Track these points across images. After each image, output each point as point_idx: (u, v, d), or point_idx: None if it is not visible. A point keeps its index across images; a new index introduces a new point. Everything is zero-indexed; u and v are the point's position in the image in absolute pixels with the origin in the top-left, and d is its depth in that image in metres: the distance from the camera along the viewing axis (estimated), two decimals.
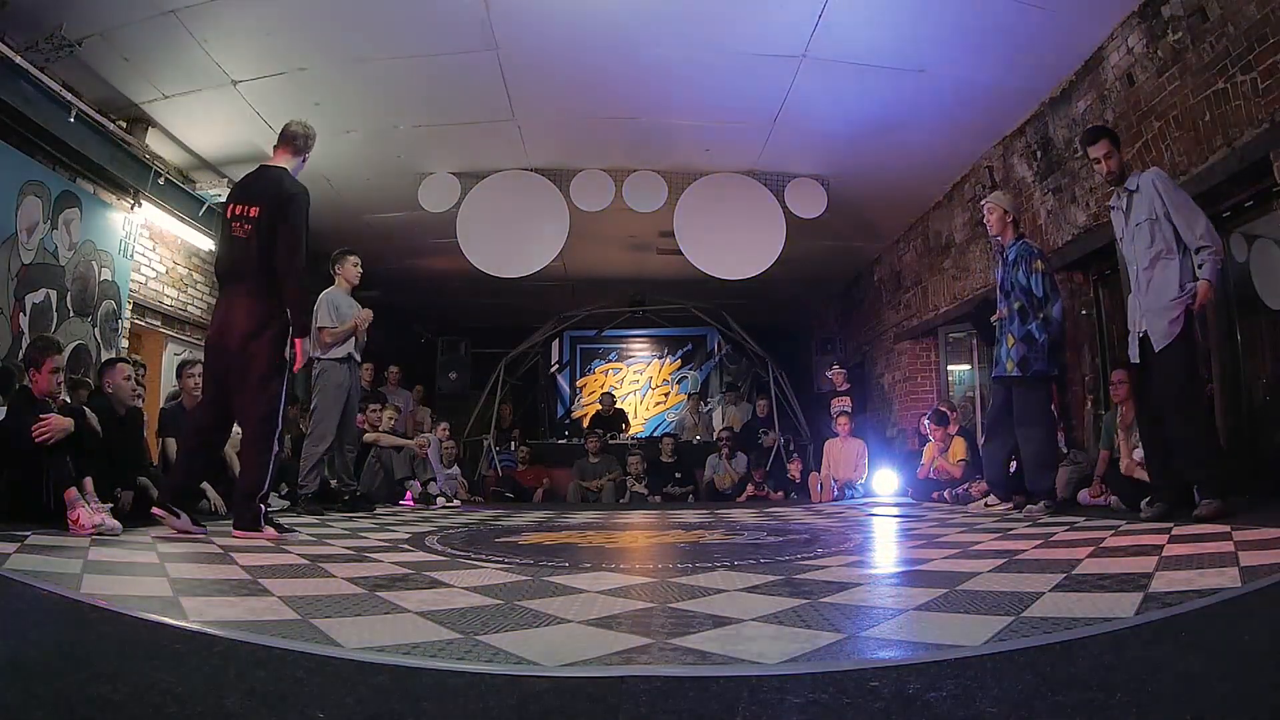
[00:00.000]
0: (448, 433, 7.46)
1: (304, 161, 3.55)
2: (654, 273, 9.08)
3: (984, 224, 4.65)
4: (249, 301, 3.22)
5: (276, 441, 3.29)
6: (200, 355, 6.56)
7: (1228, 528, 2.68)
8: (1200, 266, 3.22)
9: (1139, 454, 4.18)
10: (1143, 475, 4.05)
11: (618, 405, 10.72)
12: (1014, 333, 4.27)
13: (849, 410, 7.73)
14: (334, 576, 2.13)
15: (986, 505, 4.53)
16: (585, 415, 11.56)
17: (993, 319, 4.46)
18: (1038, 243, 5.46)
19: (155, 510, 3.14)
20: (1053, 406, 4.99)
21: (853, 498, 6.88)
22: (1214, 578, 1.76)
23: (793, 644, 1.31)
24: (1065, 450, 5.07)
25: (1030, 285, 4.22)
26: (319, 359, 5.08)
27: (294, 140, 3.48)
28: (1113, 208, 3.62)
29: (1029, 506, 4.20)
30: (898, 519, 4.56)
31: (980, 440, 5.85)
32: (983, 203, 4.69)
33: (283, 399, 3.28)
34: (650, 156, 6.54)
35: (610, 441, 8.80)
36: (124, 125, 5.31)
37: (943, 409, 6.63)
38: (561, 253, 7.07)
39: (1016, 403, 4.27)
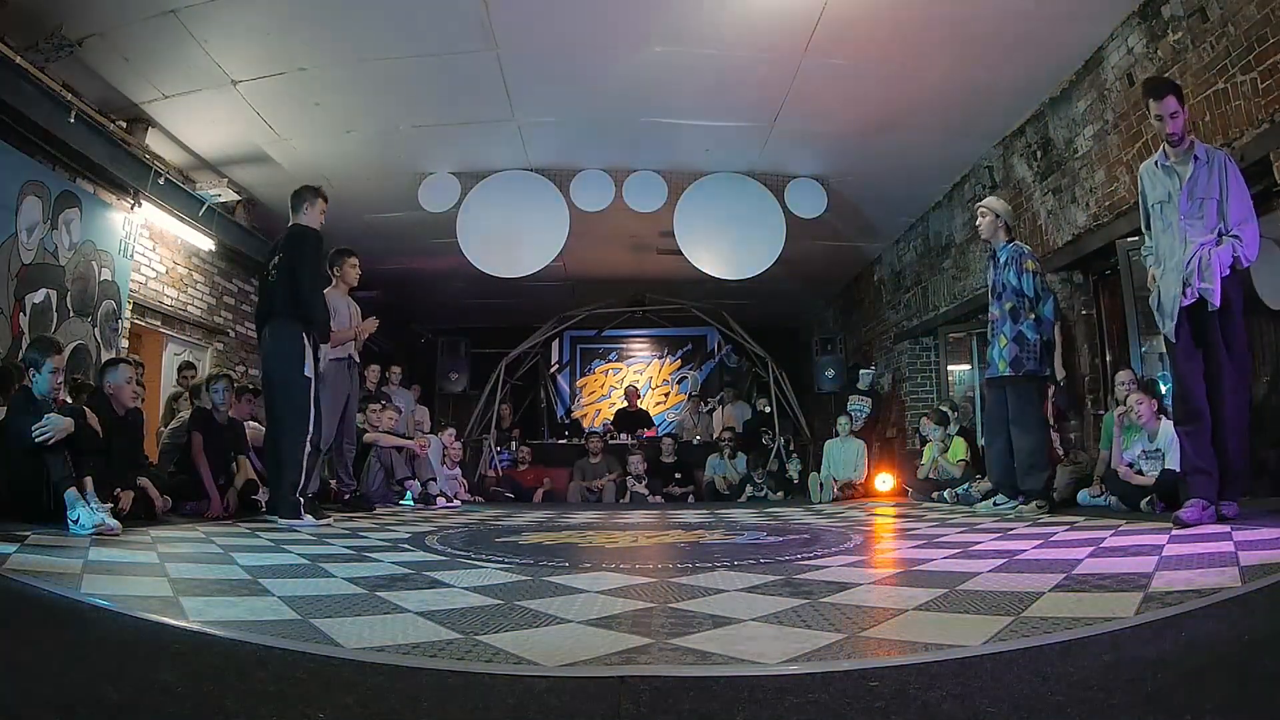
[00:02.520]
0: (454, 436, 7.47)
1: (320, 211, 4.31)
2: (654, 273, 9.08)
3: (978, 222, 4.68)
4: (278, 329, 4.04)
5: (309, 442, 3.98)
6: (202, 364, 6.62)
7: (1228, 528, 2.68)
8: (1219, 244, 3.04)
9: (1129, 455, 4.19)
10: (1135, 479, 4.06)
11: (617, 408, 10.70)
12: (1006, 333, 4.34)
13: (852, 414, 7.74)
14: (334, 576, 2.13)
15: (995, 505, 4.53)
16: (585, 415, 11.55)
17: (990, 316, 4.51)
18: (1037, 243, 5.51)
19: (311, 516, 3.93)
20: (1047, 406, 5.03)
21: (851, 496, 6.88)
22: (1214, 578, 1.76)
23: (793, 644, 1.31)
24: (1063, 451, 5.07)
25: (1021, 286, 4.29)
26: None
27: (313, 204, 4.27)
28: (1162, 165, 3.28)
29: (1020, 507, 4.23)
30: (897, 519, 4.57)
31: (981, 441, 5.86)
32: (976, 206, 4.75)
33: (309, 406, 3.97)
34: (650, 156, 6.54)
35: (611, 441, 8.81)
36: (124, 125, 5.31)
37: (943, 408, 6.64)
38: (561, 253, 7.07)
39: (1011, 403, 4.33)
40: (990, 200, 4.69)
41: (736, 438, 8.46)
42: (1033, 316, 4.28)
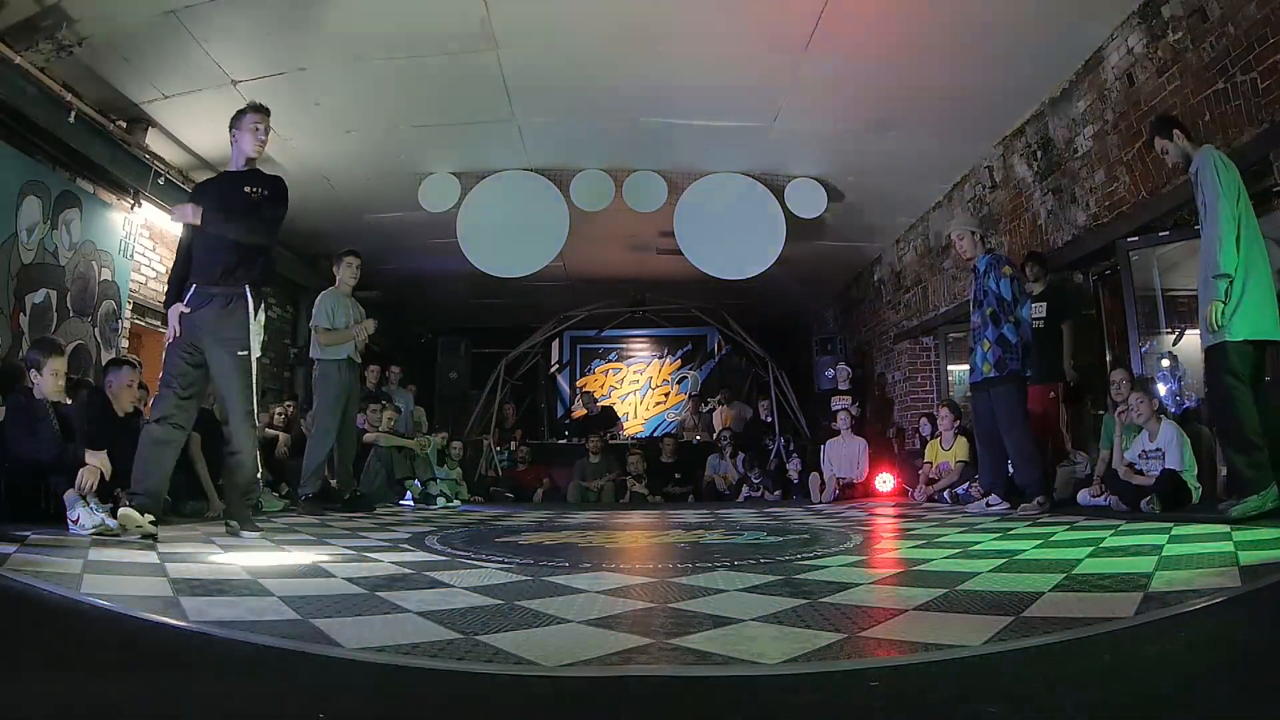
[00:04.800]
0: (446, 438, 7.48)
1: (233, 142, 3.48)
2: (654, 273, 9.08)
3: (955, 248, 4.83)
4: None
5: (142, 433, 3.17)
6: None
7: (1228, 528, 2.68)
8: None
9: (1129, 455, 4.19)
10: (1135, 479, 4.06)
11: (603, 403, 10.77)
12: (988, 337, 4.48)
13: (849, 407, 7.74)
14: (334, 576, 2.13)
15: (988, 505, 4.54)
16: (578, 418, 11.56)
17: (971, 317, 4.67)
18: (1037, 242, 5.51)
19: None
20: (1062, 408, 5.06)
21: (851, 496, 6.88)
22: (1214, 578, 1.76)
23: (793, 644, 1.31)
24: (1069, 451, 5.07)
25: (1000, 289, 4.44)
26: (318, 360, 5.10)
27: (232, 137, 3.49)
28: (1192, 188, 3.36)
29: (1023, 505, 4.25)
30: (897, 519, 4.57)
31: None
32: (950, 233, 4.88)
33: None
34: (650, 156, 6.54)
35: (611, 441, 8.80)
36: (124, 125, 5.31)
37: (954, 400, 6.67)
38: (561, 253, 7.07)
39: (996, 403, 4.41)
40: (961, 222, 4.83)
41: (735, 437, 8.47)
42: (1012, 320, 4.42)
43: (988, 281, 4.51)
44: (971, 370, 4.69)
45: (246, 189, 3.32)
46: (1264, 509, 2.93)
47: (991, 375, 4.44)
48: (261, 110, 3.43)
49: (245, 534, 3.15)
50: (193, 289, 3.21)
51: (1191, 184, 3.32)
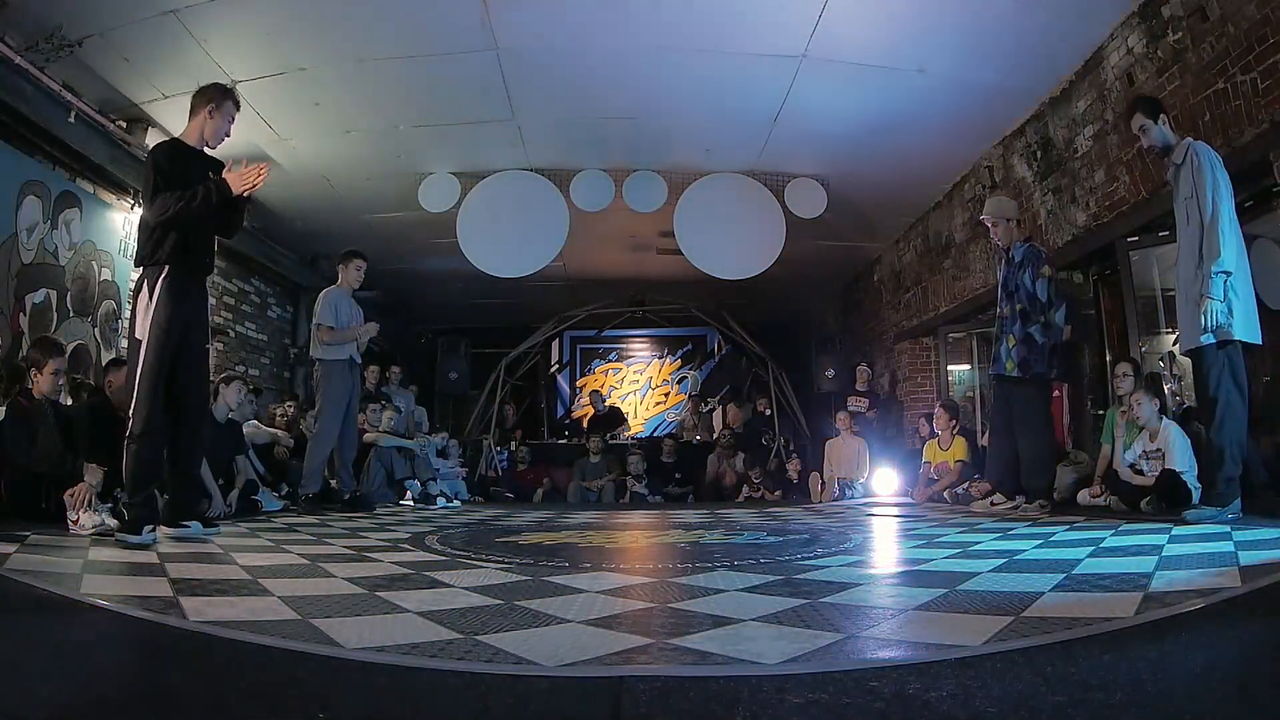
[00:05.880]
0: (446, 438, 7.49)
1: (200, 117, 3.15)
2: (654, 273, 9.08)
3: (990, 234, 4.59)
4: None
5: (134, 422, 2.84)
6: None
7: (1228, 528, 2.69)
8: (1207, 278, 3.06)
9: (1130, 455, 4.19)
10: (1135, 479, 4.06)
11: (611, 404, 10.78)
12: (1015, 334, 4.33)
13: (858, 410, 7.74)
14: (334, 576, 2.13)
15: (992, 505, 4.53)
16: (584, 417, 11.57)
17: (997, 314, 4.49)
18: (1037, 243, 5.49)
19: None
20: (1060, 405, 5.03)
21: (851, 496, 6.88)
22: (1214, 578, 1.76)
23: (793, 644, 1.31)
24: (1068, 449, 5.07)
25: (1035, 290, 4.26)
26: (320, 360, 5.10)
27: (197, 113, 3.18)
28: (1168, 181, 3.35)
29: (1024, 506, 4.23)
30: (898, 519, 4.57)
31: (982, 440, 5.86)
32: (984, 217, 4.61)
33: (134, 381, 2.87)
34: (650, 156, 6.54)
35: (611, 441, 8.81)
36: (124, 125, 5.31)
37: (953, 400, 6.67)
38: (561, 253, 7.07)
39: (1016, 404, 4.32)
40: (997, 205, 4.56)
41: (735, 437, 8.47)
42: (1042, 321, 4.25)
43: (1023, 275, 4.30)
44: (995, 361, 4.52)
45: (212, 175, 3.14)
46: (1216, 520, 2.99)
47: (1015, 375, 4.30)
48: (239, 104, 3.27)
49: (205, 530, 3.07)
50: (167, 273, 2.93)
51: (1172, 177, 3.28)
